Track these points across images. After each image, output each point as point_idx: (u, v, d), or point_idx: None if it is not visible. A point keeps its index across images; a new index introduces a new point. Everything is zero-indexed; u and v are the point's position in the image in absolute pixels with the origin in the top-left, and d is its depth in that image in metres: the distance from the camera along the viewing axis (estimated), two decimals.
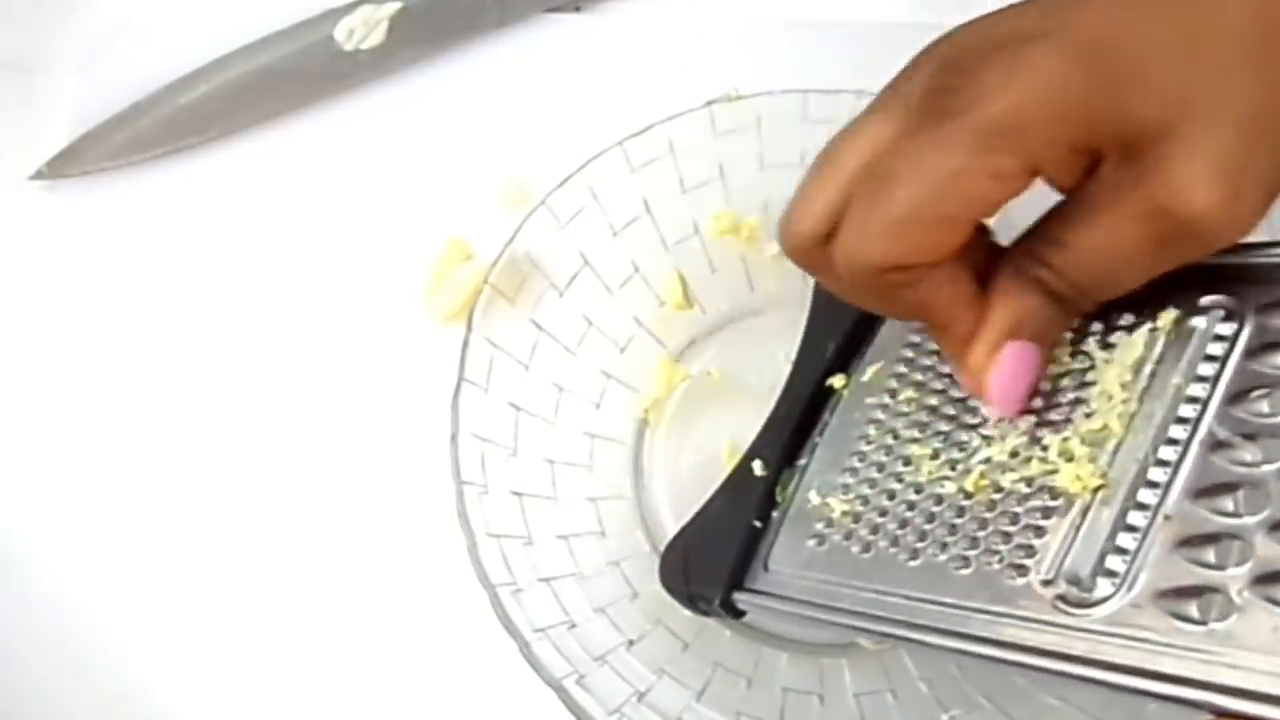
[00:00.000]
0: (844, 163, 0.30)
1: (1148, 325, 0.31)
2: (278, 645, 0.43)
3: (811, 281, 0.36)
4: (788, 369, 0.43)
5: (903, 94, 0.29)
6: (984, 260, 0.31)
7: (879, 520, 0.34)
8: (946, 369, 0.35)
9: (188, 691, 0.43)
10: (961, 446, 0.33)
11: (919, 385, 0.36)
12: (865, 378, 0.37)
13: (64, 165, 0.50)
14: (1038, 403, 0.32)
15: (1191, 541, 0.28)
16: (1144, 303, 0.31)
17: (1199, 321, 0.30)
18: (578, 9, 0.52)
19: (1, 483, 0.46)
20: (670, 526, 0.43)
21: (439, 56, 0.51)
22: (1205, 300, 0.31)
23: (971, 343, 0.31)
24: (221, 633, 0.43)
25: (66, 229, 0.50)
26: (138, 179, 0.50)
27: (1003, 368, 0.31)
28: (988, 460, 0.32)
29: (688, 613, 0.38)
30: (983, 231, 0.31)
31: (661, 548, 0.42)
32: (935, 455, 0.34)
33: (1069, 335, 0.32)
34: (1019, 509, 0.31)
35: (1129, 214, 0.28)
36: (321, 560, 0.44)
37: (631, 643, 0.39)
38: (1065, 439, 0.31)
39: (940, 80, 0.28)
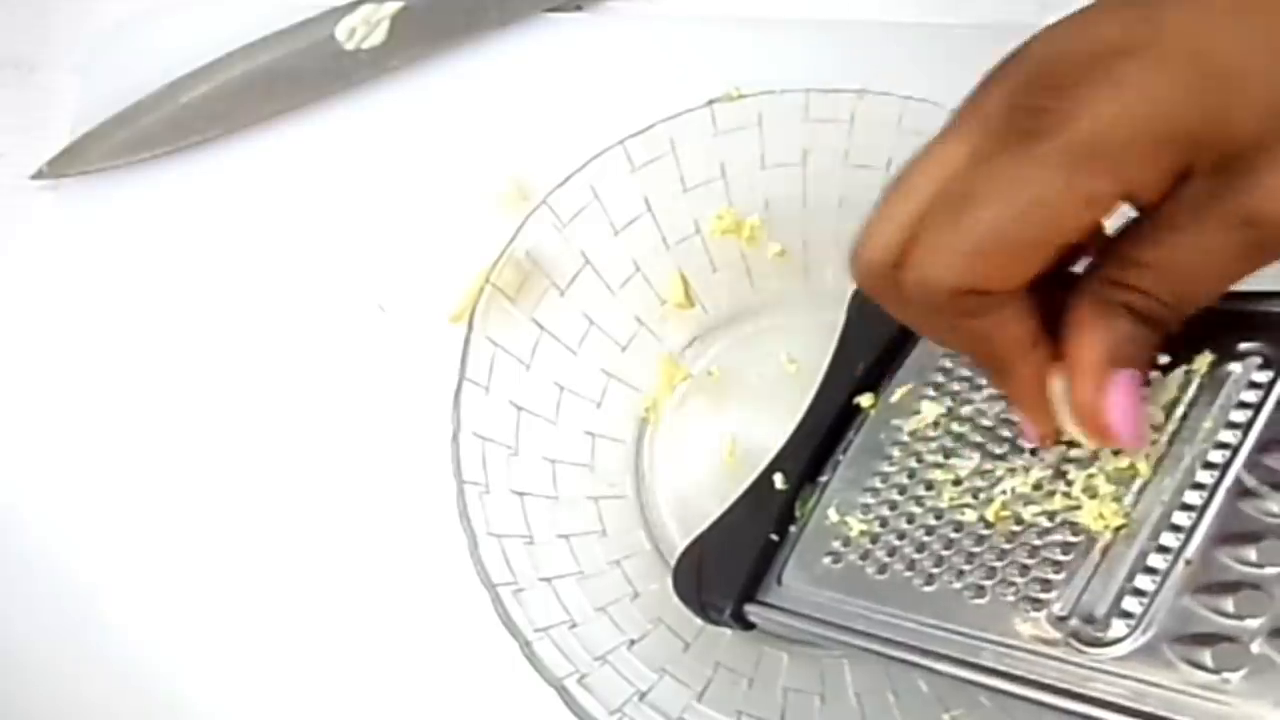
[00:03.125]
0: (917, 187, 0.28)
1: (1183, 367, 0.31)
2: (278, 643, 0.43)
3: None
4: (789, 369, 0.43)
5: (980, 115, 0.28)
6: (1049, 299, 0.30)
7: (896, 543, 0.34)
8: (977, 395, 0.35)
9: (190, 691, 0.43)
10: (985, 475, 0.33)
11: (947, 410, 0.36)
12: (894, 399, 0.37)
13: (64, 165, 0.50)
14: (1065, 436, 0.32)
15: (1210, 588, 0.27)
16: (1180, 345, 0.31)
17: (1235, 367, 0.30)
18: (578, 9, 0.52)
19: (2, 479, 0.46)
20: (671, 526, 0.43)
21: (439, 56, 0.51)
22: (1243, 346, 0.30)
23: (1075, 381, 0.29)
24: (223, 631, 0.43)
25: (67, 229, 0.50)
26: (138, 179, 0.50)
27: (1117, 402, 0.29)
28: (1011, 491, 0.32)
29: (690, 613, 0.38)
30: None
31: (663, 547, 0.42)
32: (958, 482, 0.34)
33: None
34: (1038, 542, 0.31)
35: (1219, 226, 0.27)
36: (322, 560, 0.44)
37: (633, 642, 0.39)
38: (1090, 475, 0.31)
39: (1026, 99, 0.27)
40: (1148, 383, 0.31)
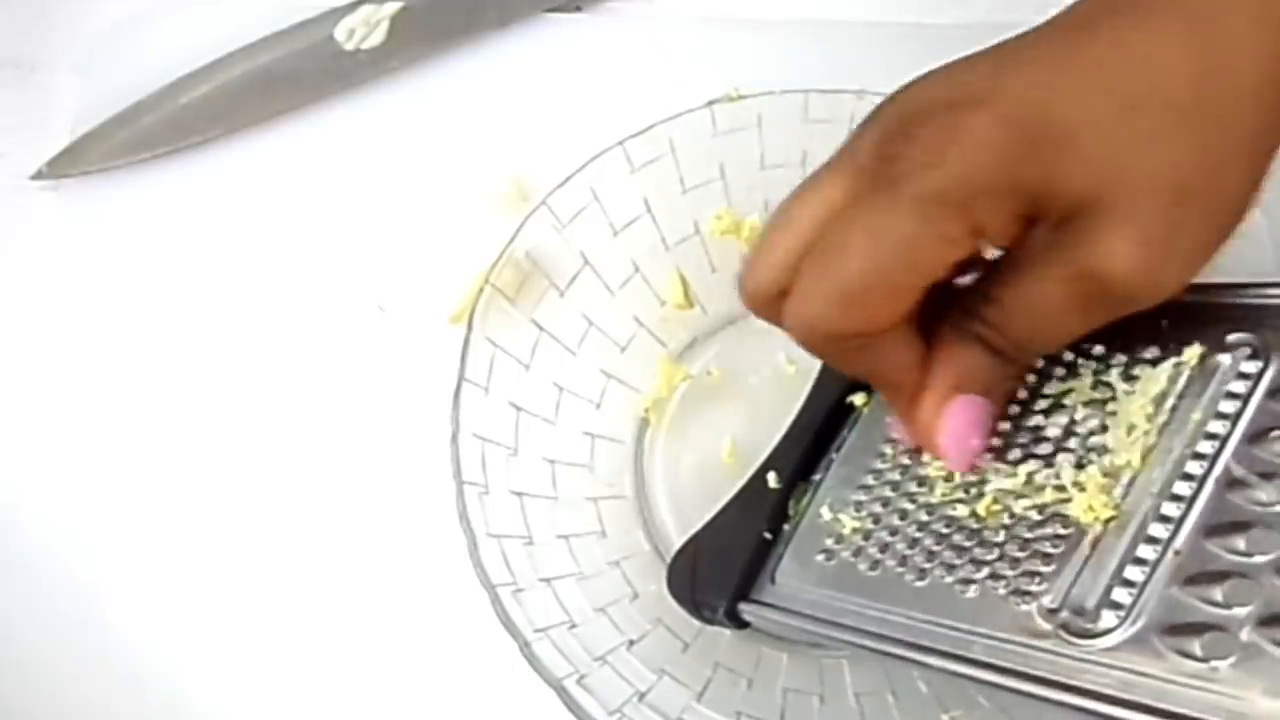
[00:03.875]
0: (798, 221, 0.30)
1: (1172, 359, 0.31)
2: (278, 644, 0.43)
3: None
4: (788, 369, 0.43)
5: (855, 157, 0.30)
6: (930, 316, 0.31)
7: (889, 539, 0.34)
8: None
9: (190, 691, 0.43)
10: (976, 470, 0.33)
11: None
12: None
13: (64, 165, 0.50)
14: (1056, 431, 0.32)
15: (1200, 578, 0.27)
16: (1169, 337, 0.31)
17: (1223, 358, 0.30)
18: (578, 9, 0.52)
19: (2, 480, 0.46)
20: (671, 526, 0.43)
21: (439, 56, 0.51)
22: (1231, 337, 0.31)
23: (918, 399, 0.31)
24: (223, 631, 0.43)
25: (67, 229, 0.50)
26: (138, 179, 0.50)
27: (951, 421, 0.31)
28: (1001, 485, 0.32)
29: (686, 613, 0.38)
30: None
31: (662, 548, 0.42)
32: (949, 477, 0.34)
33: (1092, 366, 0.32)
34: (1029, 535, 0.31)
35: (1056, 276, 0.28)
36: (322, 560, 0.44)
37: (632, 643, 0.39)
38: (1080, 468, 0.31)
39: (884, 147, 0.29)
40: (1005, 414, 0.33)
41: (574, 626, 0.38)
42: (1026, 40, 0.29)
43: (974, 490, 0.33)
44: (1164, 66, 0.27)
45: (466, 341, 0.40)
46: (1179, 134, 0.27)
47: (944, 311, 0.31)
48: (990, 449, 0.33)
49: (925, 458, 0.35)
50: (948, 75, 0.29)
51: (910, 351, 0.31)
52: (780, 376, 0.43)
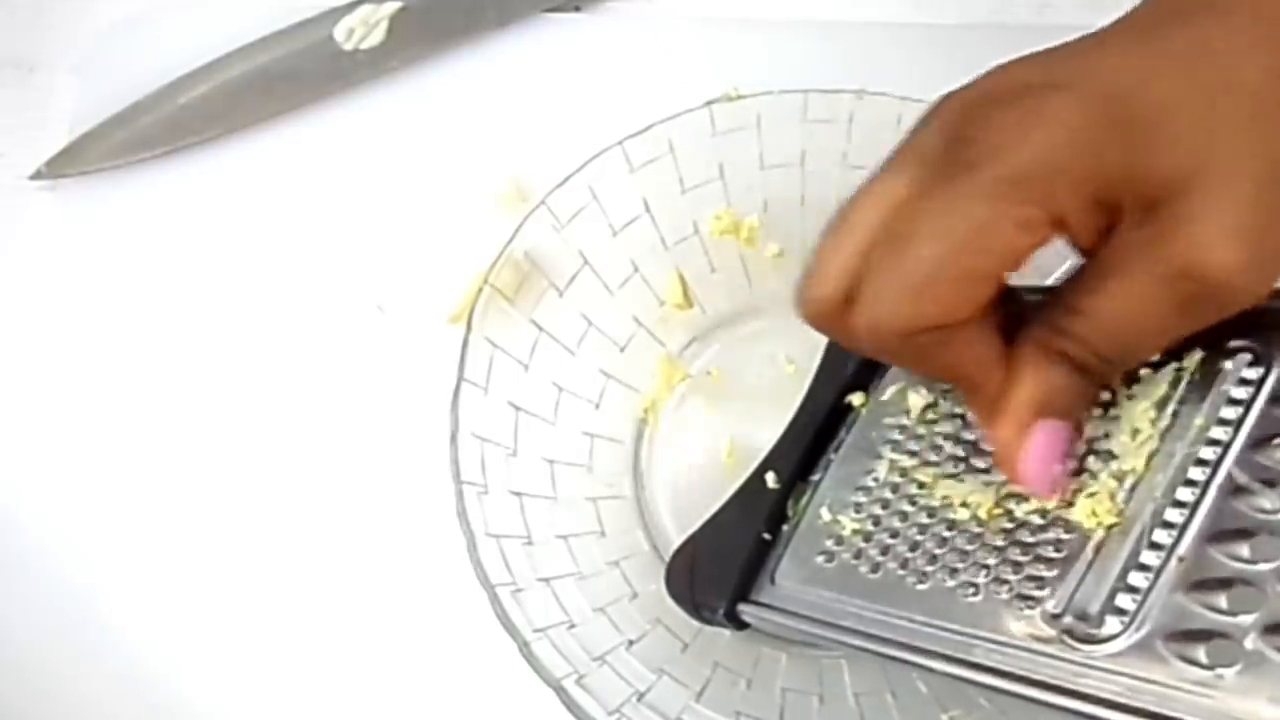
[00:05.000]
0: (860, 223, 0.29)
1: (1173, 364, 0.31)
2: (277, 644, 0.43)
3: None
4: (788, 369, 0.43)
5: (918, 150, 0.29)
6: (1010, 315, 0.30)
7: (889, 541, 0.34)
8: None
9: (189, 691, 0.43)
10: (977, 473, 0.33)
11: (938, 409, 0.35)
12: (885, 397, 0.37)
13: (64, 165, 0.50)
14: None
15: (1204, 585, 0.27)
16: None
17: (1225, 364, 0.30)
18: (577, 9, 0.52)
19: (1, 480, 0.46)
20: (670, 526, 0.43)
21: (439, 56, 0.51)
22: (1234, 343, 0.30)
23: (999, 418, 0.30)
24: (222, 631, 0.43)
25: (65, 229, 0.50)
26: (138, 179, 0.50)
27: (1033, 449, 0.30)
28: (1003, 488, 0.32)
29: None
30: (1007, 290, 0.30)
31: (661, 548, 0.42)
32: (950, 479, 0.34)
33: None
34: (1032, 540, 0.31)
35: (1150, 277, 0.27)
36: (321, 560, 0.44)
37: (631, 643, 0.39)
38: (1083, 473, 0.31)
39: (958, 132, 0.28)
40: (1080, 432, 0.31)
41: (573, 626, 0.38)
42: (1098, 37, 0.28)
43: (975, 493, 0.33)
44: (1245, 59, 0.26)
45: (465, 341, 0.40)
46: (1265, 122, 0.26)
47: (1023, 330, 0.30)
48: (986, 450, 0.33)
49: (922, 457, 0.35)
50: (1020, 65, 0.28)
51: (987, 348, 0.30)
52: (780, 376, 0.43)
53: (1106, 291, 0.28)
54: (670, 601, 0.38)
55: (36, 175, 0.50)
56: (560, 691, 0.36)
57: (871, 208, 0.29)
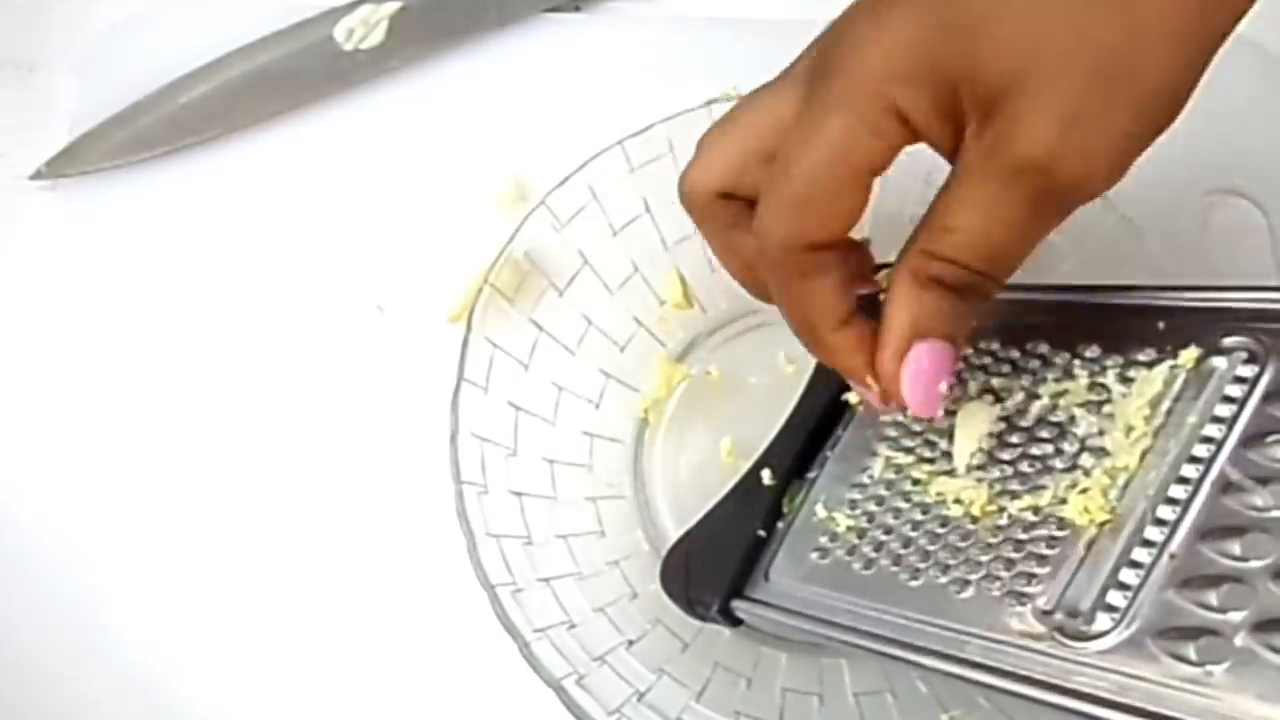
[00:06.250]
0: (742, 123, 0.32)
1: (1168, 362, 0.31)
2: (277, 644, 0.43)
3: None
4: (788, 369, 0.43)
5: (795, 70, 0.31)
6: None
7: (883, 538, 0.34)
8: None
9: (189, 691, 0.43)
10: (971, 470, 0.33)
11: None
12: None
13: (64, 165, 0.50)
14: (1052, 432, 0.32)
15: (1195, 582, 0.27)
16: (1165, 339, 0.31)
17: (1220, 362, 0.30)
18: (577, 9, 0.52)
19: (1, 478, 0.46)
20: (670, 526, 0.43)
21: (439, 56, 0.51)
22: (1228, 341, 0.30)
23: (880, 351, 0.31)
24: (222, 631, 0.43)
25: (65, 229, 0.50)
26: (137, 179, 0.50)
27: (913, 371, 0.30)
28: (996, 485, 0.32)
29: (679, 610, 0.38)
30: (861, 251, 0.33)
31: (661, 547, 0.42)
32: (944, 477, 0.34)
33: (1088, 368, 0.32)
34: (1024, 537, 0.31)
35: (994, 179, 0.28)
36: (321, 560, 0.44)
37: (631, 643, 0.39)
38: (1076, 470, 0.31)
39: (820, 53, 0.30)
40: (961, 355, 0.32)
41: (573, 626, 0.38)
42: None
43: (968, 490, 0.33)
44: None
45: (465, 341, 0.40)
46: (1098, 14, 0.27)
47: (897, 259, 0.31)
48: (984, 449, 0.33)
49: (917, 454, 0.35)
50: None
51: (843, 304, 0.31)
52: (779, 376, 0.43)
53: (960, 200, 0.29)
54: (668, 599, 0.38)
55: (36, 175, 0.50)
56: (560, 691, 0.36)
57: (754, 116, 0.32)
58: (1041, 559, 0.30)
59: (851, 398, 0.38)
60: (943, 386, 0.31)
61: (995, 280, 0.30)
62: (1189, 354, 0.31)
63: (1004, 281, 0.30)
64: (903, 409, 0.32)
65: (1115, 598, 0.28)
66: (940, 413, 0.31)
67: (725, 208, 0.33)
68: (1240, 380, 0.30)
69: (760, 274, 0.32)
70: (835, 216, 0.30)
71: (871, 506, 0.35)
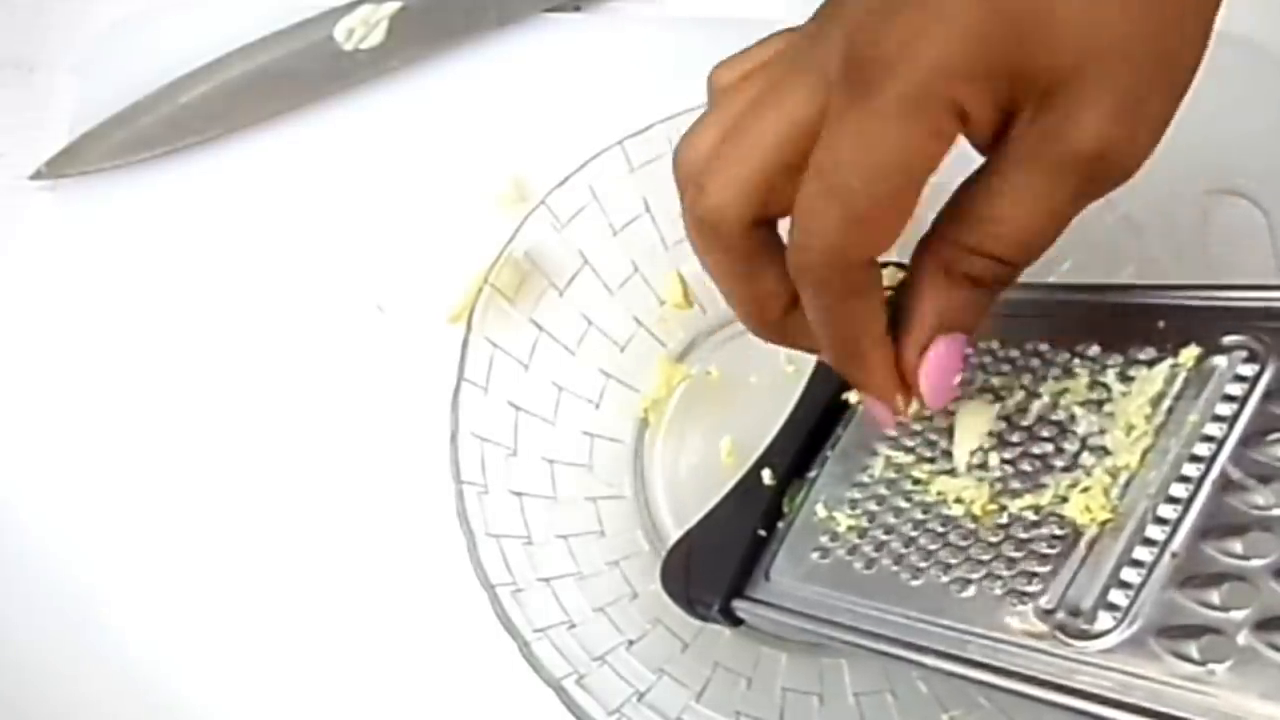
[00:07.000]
0: (753, 135, 0.29)
1: (1169, 361, 0.31)
2: (277, 644, 0.43)
3: None
4: (788, 369, 0.43)
5: (819, 65, 0.29)
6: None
7: (884, 538, 0.34)
8: None
9: (189, 691, 0.43)
10: (972, 469, 0.33)
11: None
12: None
13: (64, 165, 0.50)
14: (1053, 431, 0.32)
15: (1197, 581, 0.27)
16: (1166, 338, 0.31)
17: (1220, 360, 0.30)
18: (577, 9, 0.52)
19: (1, 478, 0.46)
20: (670, 526, 0.43)
21: (439, 56, 0.51)
22: (1228, 340, 0.30)
23: (902, 340, 0.30)
24: (221, 631, 0.43)
25: (65, 229, 0.50)
26: (137, 179, 0.50)
27: (934, 365, 0.30)
28: (997, 485, 0.32)
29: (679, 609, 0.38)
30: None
31: (661, 547, 0.42)
32: (945, 476, 0.34)
33: (1088, 367, 0.32)
34: (1025, 536, 0.31)
35: (1050, 167, 0.27)
36: (321, 560, 0.44)
37: (631, 642, 0.39)
38: (1077, 469, 0.31)
39: (856, 51, 0.28)
40: (974, 343, 0.32)
41: (573, 626, 0.38)
42: None
43: (969, 490, 0.33)
44: None
45: (465, 341, 0.40)
46: (1143, 5, 0.27)
47: (923, 251, 0.30)
48: (985, 448, 0.33)
49: (917, 454, 0.35)
50: None
51: (883, 320, 0.30)
52: (779, 377, 0.43)
53: (1003, 192, 0.28)
54: (669, 599, 0.38)
55: (36, 175, 0.50)
56: (560, 691, 0.36)
57: (777, 125, 0.29)
58: (1043, 558, 0.30)
59: (851, 397, 0.38)
60: (958, 377, 0.30)
61: (1019, 271, 0.30)
62: (1189, 353, 0.31)
63: (1015, 277, 0.30)
64: (913, 410, 0.32)
65: (1117, 596, 0.28)
66: (941, 406, 0.31)
67: (755, 235, 0.30)
68: (1241, 379, 0.30)
69: (777, 302, 0.31)
70: (894, 228, 0.28)
71: (872, 506, 0.35)
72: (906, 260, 0.31)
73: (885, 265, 0.33)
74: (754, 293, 0.32)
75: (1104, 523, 0.30)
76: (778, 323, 0.32)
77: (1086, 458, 0.31)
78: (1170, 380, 0.31)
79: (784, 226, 0.30)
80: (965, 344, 0.30)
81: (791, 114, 0.29)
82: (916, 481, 0.34)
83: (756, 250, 0.31)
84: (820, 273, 0.29)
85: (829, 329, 0.30)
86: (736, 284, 0.32)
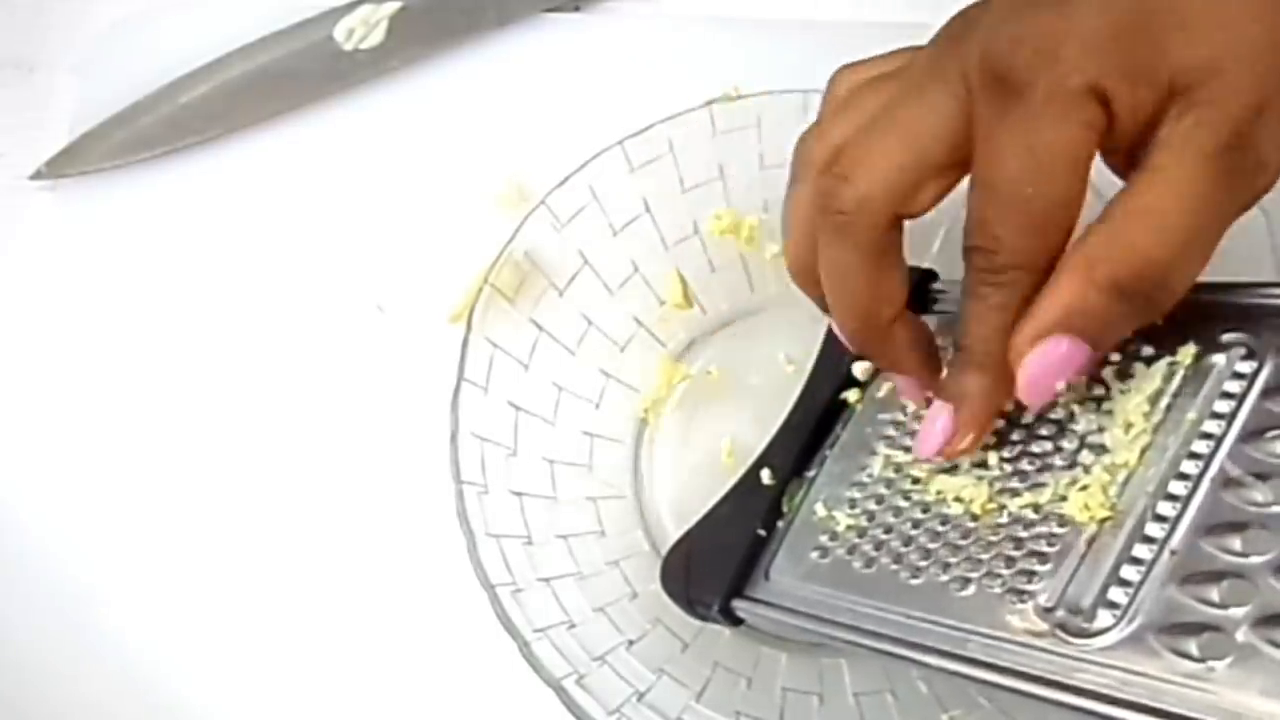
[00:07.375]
0: (896, 134, 0.30)
1: (1167, 359, 0.31)
2: (276, 644, 0.43)
3: None
4: (788, 369, 0.43)
5: (958, 73, 0.29)
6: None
7: (883, 537, 0.34)
8: None
9: (189, 691, 0.43)
10: (972, 468, 0.33)
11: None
12: (880, 394, 0.38)
13: (64, 165, 0.50)
14: (1052, 429, 0.32)
15: (1196, 578, 0.27)
16: (1164, 336, 0.31)
17: (1218, 358, 0.30)
18: (577, 9, 0.52)
19: (1, 478, 0.46)
20: (670, 526, 0.43)
21: (439, 56, 0.51)
22: (1226, 337, 0.30)
23: (1021, 324, 0.29)
24: (221, 631, 0.43)
25: (65, 229, 0.50)
26: (138, 179, 0.50)
27: (1047, 355, 0.29)
28: (996, 483, 0.32)
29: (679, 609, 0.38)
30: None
31: (661, 547, 0.42)
32: (944, 475, 0.33)
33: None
34: (1024, 534, 0.31)
35: (1199, 155, 0.27)
36: (321, 560, 0.44)
37: (631, 642, 0.39)
38: (1076, 467, 0.31)
39: (997, 56, 0.28)
40: (1100, 369, 0.31)
41: (573, 626, 0.38)
42: None
43: (969, 488, 0.33)
44: None
45: (465, 341, 0.40)
46: (1263, 9, 0.27)
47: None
48: (984, 445, 0.33)
49: (919, 455, 0.35)
50: None
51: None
52: (779, 376, 0.43)
53: (1160, 180, 0.28)
54: (668, 599, 0.38)
55: (36, 175, 0.50)
56: (560, 691, 0.36)
57: (914, 126, 0.29)
58: (1042, 556, 0.30)
59: (850, 396, 0.38)
60: (1061, 384, 0.29)
61: (1158, 308, 0.29)
62: (1187, 350, 0.31)
63: (1174, 298, 0.29)
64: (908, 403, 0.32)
65: (1116, 594, 0.28)
66: (1035, 405, 0.31)
67: (890, 232, 0.31)
68: (1239, 376, 0.30)
69: (891, 309, 0.31)
70: (1069, 224, 0.29)
71: (871, 505, 0.35)
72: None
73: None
74: (873, 293, 0.32)
75: (1103, 520, 0.30)
76: (883, 329, 0.32)
77: (1085, 456, 0.31)
78: (1169, 378, 0.31)
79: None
80: (1084, 355, 0.29)
81: (941, 112, 0.29)
82: (916, 480, 0.34)
83: (886, 249, 0.31)
84: (1010, 275, 0.29)
85: (978, 329, 0.30)
86: (860, 280, 0.31)
